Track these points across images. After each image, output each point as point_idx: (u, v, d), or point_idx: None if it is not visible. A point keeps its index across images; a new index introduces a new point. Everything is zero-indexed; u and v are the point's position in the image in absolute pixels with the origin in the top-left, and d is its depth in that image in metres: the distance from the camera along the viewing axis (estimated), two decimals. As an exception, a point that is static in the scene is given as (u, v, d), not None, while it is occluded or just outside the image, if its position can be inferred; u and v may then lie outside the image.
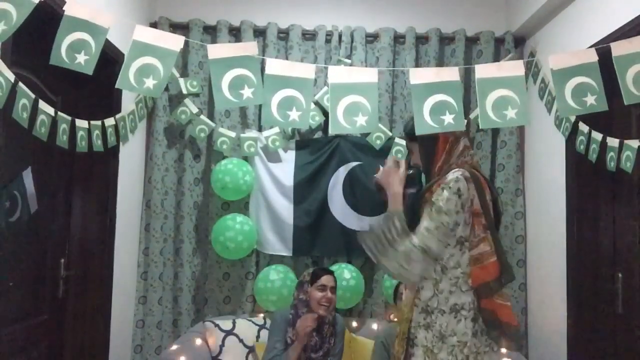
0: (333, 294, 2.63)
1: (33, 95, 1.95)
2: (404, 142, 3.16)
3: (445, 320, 1.65)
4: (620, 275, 2.36)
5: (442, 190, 1.67)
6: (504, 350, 2.47)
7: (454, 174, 1.69)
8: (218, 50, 1.81)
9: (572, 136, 2.65)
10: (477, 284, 1.65)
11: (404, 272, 1.65)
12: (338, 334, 2.68)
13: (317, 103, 3.16)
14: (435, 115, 1.77)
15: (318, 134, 3.26)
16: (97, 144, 2.49)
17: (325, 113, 3.15)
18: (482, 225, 1.66)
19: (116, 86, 1.70)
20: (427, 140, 1.79)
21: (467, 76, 3.20)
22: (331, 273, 2.69)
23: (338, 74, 1.87)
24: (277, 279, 2.97)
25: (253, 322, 2.97)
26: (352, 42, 3.26)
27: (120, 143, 2.77)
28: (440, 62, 3.29)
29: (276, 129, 3.15)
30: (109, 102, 2.73)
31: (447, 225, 1.64)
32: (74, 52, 1.63)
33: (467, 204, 1.66)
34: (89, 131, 2.43)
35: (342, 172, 3.19)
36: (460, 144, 1.78)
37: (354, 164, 3.19)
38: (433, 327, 1.66)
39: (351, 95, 1.82)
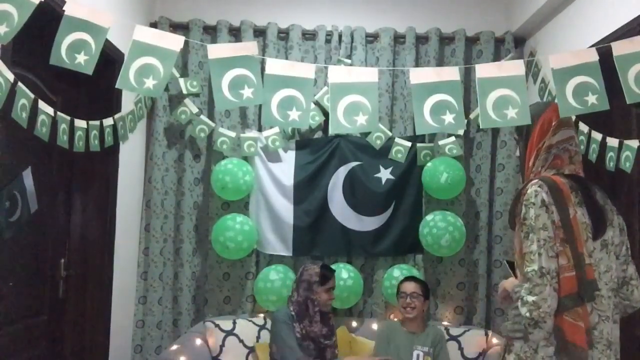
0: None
1: (32, 95, 1.95)
2: (404, 142, 3.17)
3: None
4: (620, 275, 2.35)
5: (527, 208, 1.67)
6: None
7: (532, 188, 1.69)
8: (218, 50, 1.81)
9: (572, 136, 2.65)
10: None
11: (537, 307, 1.58)
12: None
13: (317, 103, 3.16)
14: (435, 115, 1.77)
15: (318, 134, 3.25)
16: (95, 144, 2.49)
17: (325, 113, 3.15)
18: (560, 239, 1.64)
19: (116, 86, 1.70)
20: (523, 142, 1.84)
21: (467, 76, 3.20)
22: (334, 272, 2.79)
23: (338, 74, 1.87)
24: (277, 279, 2.96)
25: (253, 322, 2.98)
26: (352, 42, 3.25)
27: (120, 143, 2.76)
28: (440, 62, 3.28)
29: (276, 129, 3.14)
30: (109, 102, 2.73)
31: (550, 239, 1.63)
32: (74, 52, 1.63)
33: (552, 215, 1.65)
34: (87, 131, 2.43)
35: (342, 172, 3.19)
36: (551, 153, 1.75)
37: (354, 164, 3.19)
38: (528, 339, 1.65)
39: (351, 95, 1.83)
